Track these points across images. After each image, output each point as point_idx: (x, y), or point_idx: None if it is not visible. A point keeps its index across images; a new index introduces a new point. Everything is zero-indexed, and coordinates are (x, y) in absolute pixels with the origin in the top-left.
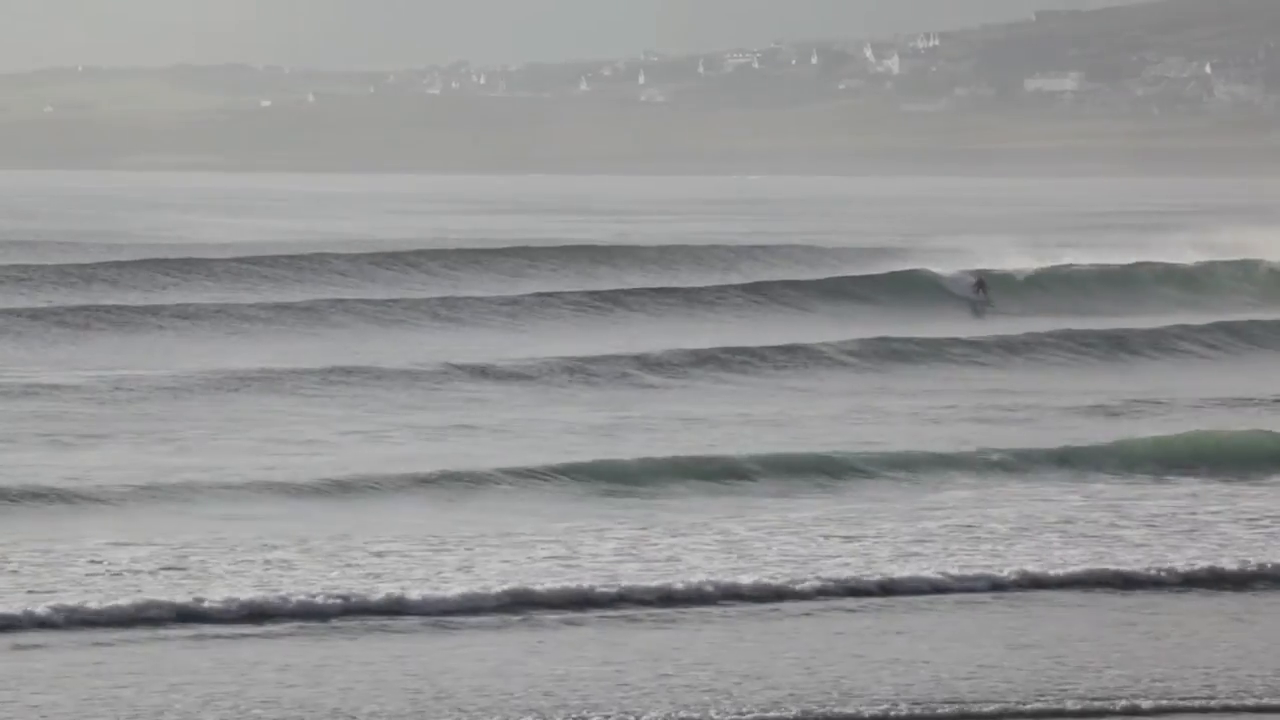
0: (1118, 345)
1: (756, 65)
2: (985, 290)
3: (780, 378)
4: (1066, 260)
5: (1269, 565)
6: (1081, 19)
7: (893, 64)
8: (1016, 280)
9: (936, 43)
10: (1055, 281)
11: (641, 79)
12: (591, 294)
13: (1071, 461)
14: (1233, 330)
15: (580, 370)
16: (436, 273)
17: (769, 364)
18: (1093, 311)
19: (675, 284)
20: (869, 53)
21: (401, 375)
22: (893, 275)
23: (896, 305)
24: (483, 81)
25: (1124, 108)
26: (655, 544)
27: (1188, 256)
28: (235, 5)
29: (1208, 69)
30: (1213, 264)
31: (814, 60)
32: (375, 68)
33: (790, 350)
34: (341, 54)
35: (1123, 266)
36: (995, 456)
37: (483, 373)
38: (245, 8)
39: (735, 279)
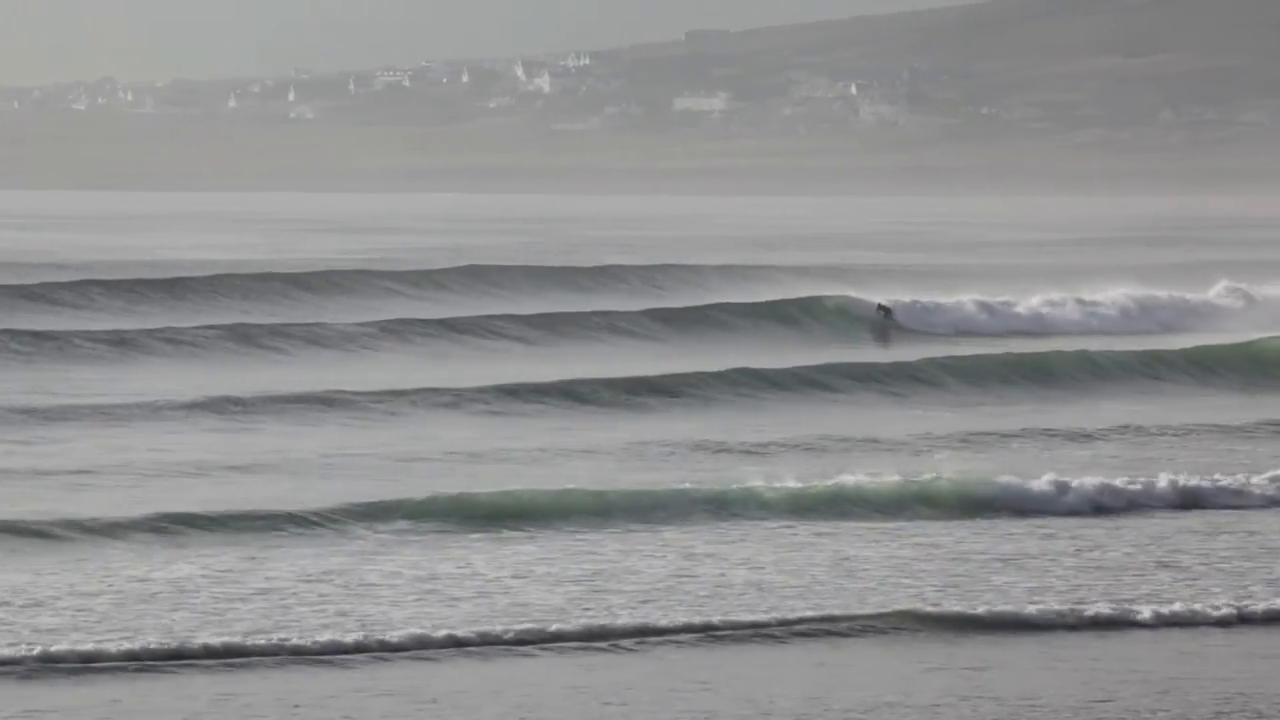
0: None
1: (407, 83)
2: (889, 314)
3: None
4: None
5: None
6: (729, 39)
7: (544, 83)
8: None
9: (587, 61)
10: None
11: (291, 96)
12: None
13: None
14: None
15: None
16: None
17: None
18: None
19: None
20: (520, 71)
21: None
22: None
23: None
24: (130, 98)
25: (772, 127)
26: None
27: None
28: None
29: (853, 90)
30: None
31: (465, 79)
32: (19, 82)
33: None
34: None
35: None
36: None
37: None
38: None
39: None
